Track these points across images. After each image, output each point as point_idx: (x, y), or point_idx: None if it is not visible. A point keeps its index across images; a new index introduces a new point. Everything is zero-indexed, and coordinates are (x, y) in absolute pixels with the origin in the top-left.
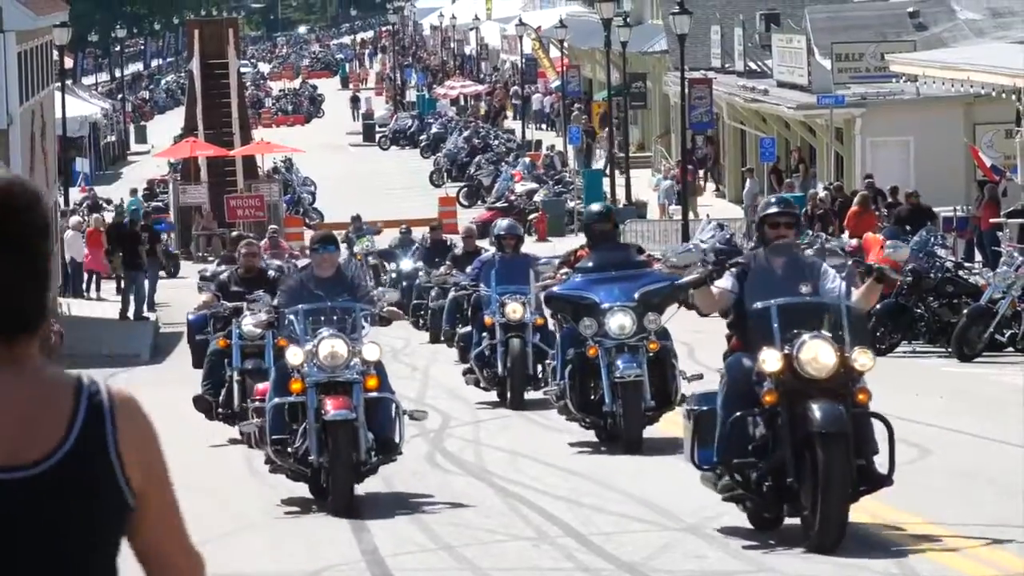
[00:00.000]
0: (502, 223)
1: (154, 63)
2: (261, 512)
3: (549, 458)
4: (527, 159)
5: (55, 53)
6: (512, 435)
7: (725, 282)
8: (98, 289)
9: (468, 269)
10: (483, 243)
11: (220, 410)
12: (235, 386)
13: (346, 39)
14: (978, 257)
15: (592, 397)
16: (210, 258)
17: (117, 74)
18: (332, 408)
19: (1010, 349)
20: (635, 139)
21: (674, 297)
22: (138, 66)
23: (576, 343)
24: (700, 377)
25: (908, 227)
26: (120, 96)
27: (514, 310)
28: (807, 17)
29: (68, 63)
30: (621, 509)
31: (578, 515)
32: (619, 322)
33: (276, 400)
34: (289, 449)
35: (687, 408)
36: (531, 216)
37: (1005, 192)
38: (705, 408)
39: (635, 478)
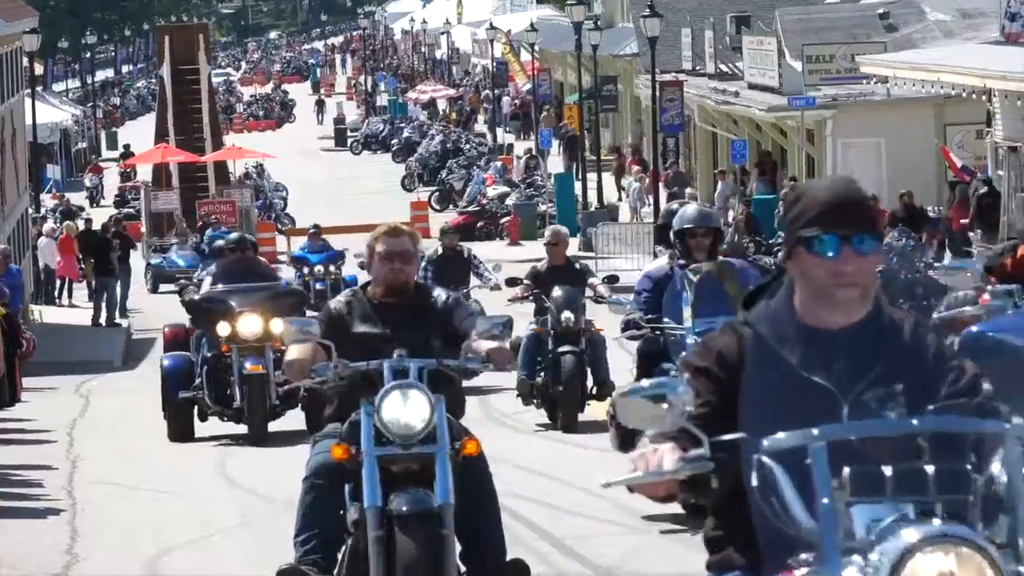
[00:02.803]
0: (688, 211)
1: (124, 69)
2: (232, 516)
3: (521, 460)
4: (498, 163)
5: (25, 59)
6: (486, 440)
7: None
8: (70, 296)
9: (635, 292)
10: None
11: None
12: (373, 548)
13: (317, 44)
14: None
15: None
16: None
17: (88, 80)
18: None
19: None
20: (606, 142)
21: None
22: (108, 72)
23: None
24: None
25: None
26: (91, 102)
27: None
28: (777, 19)
29: (38, 69)
30: (594, 512)
31: (552, 518)
32: None
33: None
34: None
35: None
36: (503, 220)
37: (976, 192)
38: None
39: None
